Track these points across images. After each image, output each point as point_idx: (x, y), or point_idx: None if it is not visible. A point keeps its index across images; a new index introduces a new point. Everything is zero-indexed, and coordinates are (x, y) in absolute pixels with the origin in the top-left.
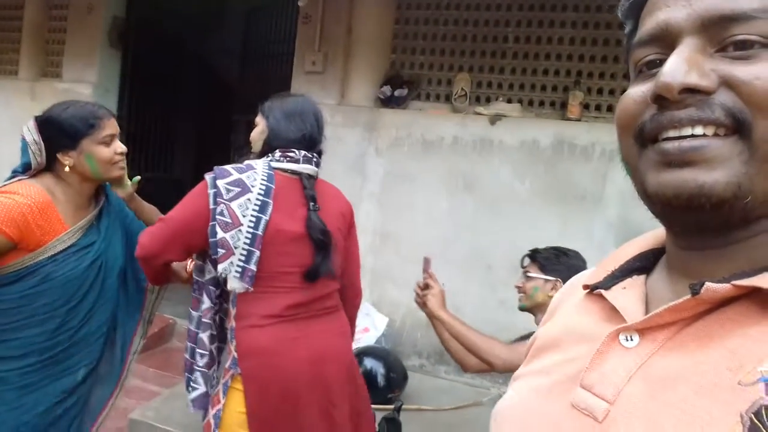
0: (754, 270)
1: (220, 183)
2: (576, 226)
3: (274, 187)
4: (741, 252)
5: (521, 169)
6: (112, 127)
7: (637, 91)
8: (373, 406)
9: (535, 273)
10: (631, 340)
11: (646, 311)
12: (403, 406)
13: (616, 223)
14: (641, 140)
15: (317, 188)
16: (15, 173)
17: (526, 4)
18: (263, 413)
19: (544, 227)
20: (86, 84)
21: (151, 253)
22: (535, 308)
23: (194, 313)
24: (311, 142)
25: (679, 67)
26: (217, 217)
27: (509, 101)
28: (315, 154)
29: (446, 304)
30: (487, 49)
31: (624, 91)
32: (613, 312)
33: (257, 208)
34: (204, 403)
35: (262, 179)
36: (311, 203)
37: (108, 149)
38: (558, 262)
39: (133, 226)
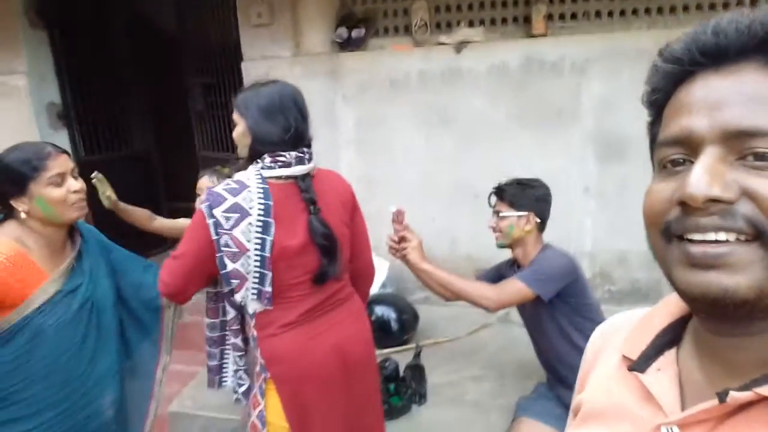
0: None
1: (217, 212)
2: (555, 143)
3: (272, 204)
4: (762, 343)
5: (493, 95)
6: (61, 165)
7: (664, 188)
8: (391, 350)
9: (506, 211)
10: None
11: (681, 395)
12: (419, 344)
13: (594, 135)
14: (667, 236)
15: (315, 182)
16: None
17: None
18: (298, 408)
19: (524, 148)
20: (19, 74)
21: (176, 290)
22: (513, 244)
23: (214, 321)
24: (299, 137)
25: (703, 179)
26: (223, 249)
27: (471, 24)
28: (306, 150)
29: (427, 250)
30: None
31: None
32: (650, 396)
33: (260, 229)
34: (250, 391)
35: (259, 198)
36: (311, 206)
37: (59, 189)
38: (525, 196)
39: (116, 254)
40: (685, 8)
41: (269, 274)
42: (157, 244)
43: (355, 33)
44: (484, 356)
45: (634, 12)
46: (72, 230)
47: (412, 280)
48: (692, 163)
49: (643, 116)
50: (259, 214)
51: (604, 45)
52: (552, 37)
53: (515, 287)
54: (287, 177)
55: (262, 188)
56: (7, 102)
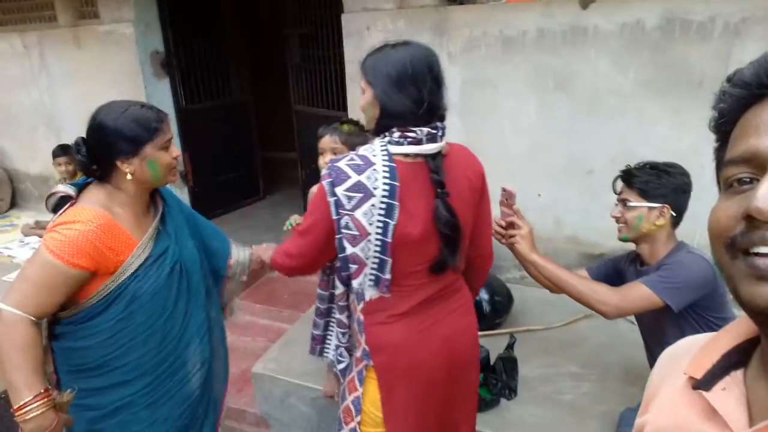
0: None
1: (339, 191)
2: (691, 118)
3: (398, 184)
4: None
5: (623, 59)
6: (170, 130)
7: (729, 205)
8: (482, 333)
9: (635, 200)
10: None
11: (749, 413)
12: (512, 329)
13: None
14: (732, 251)
15: (445, 161)
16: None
17: None
18: (397, 402)
19: (654, 122)
20: (126, 23)
21: (304, 263)
22: (640, 239)
23: (323, 293)
24: (432, 111)
25: None
26: (343, 231)
27: None
28: (439, 125)
29: (545, 222)
30: None
31: None
32: (716, 414)
33: (383, 212)
34: (348, 372)
35: (384, 177)
36: (438, 190)
37: (167, 154)
38: (660, 184)
39: (194, 218)
40: None
41: (389, 261)
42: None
43: None
44: (584, 352)
45: None
46: (153, 195)
47: (507, 256)
48: (758, 181)
49: None
50: (383, 196)
51: (765, 3)
52: None
53: (641, 293)
54: (416, 155)
55: (388, 166)
56: (114, 49)
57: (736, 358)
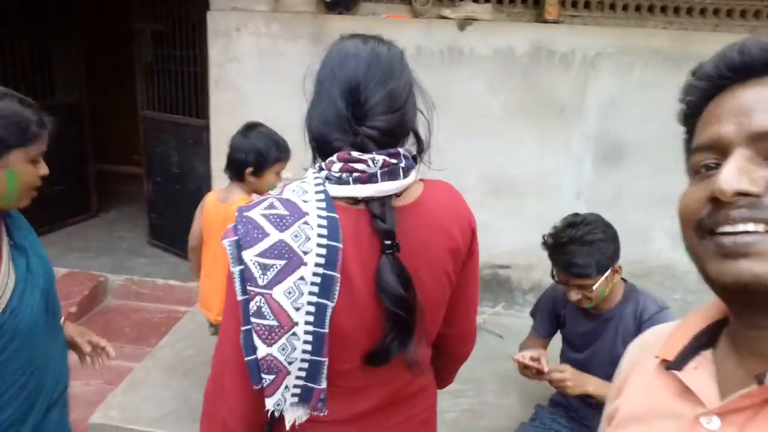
0: None
1: (247, 256)
2: (553, 141)
3: (341, 246)
4: None
5: (495, 82)
6: (45, 142)
7: (696, 190)
8: None
9: (593, 282)
10: (712, 422)
11: (720, 389)
12: None
13: (596, 137)
14: (700, 232)
15: (406, 210)
16: None
17: None
18: None
19: (521, 144)
20: None
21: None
22: (602, 302)
23: None
24: (391, 130)
25: (732, 174)
26: (252, 319)
27: (477, 1)
28: (403, 152)
29: None
30: None
31: None
32: (689, 392)
33: (316, 289)
34: None
35: (321, 236)
36: (386, 243)
37: (35, 170)
38: (602, 255)
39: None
40: (702, 12)
41: (326, 362)
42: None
43: None
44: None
45: (650, 9)
46: None
47: None
48: (722, 166)
49: (648, 121)
50: (318, 264)
51: (617, 40)
52: (564, 25)
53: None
54: (366, 199)
55: (327, 218)
56: None
57: (705, 339)
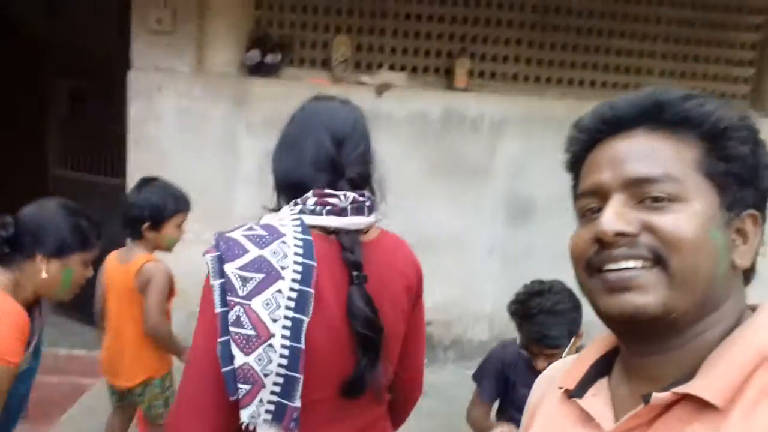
0: (685, 374)
1: (229, 269)
2: (467, 201)
3: (315, 265)
4: (676, 357)
5: (411, 144)
6: (97, 250)
7: (583, 232)
8: None
9: (563, 349)
10: None
11: (615, 413)
12: None
13: (506, 195)
14: (589, 270)
15: (371, 247)
16: None
17: None
18: None
19: (436, 203)
20: None
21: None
22: None
23: None
24: (366, 176)
25: (610, 218)
26: (231, 329)
27: (392, 68)
28: (367, 194)
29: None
30: (366, 8)
31: (511, 57)
32: (589, 418)
33: (292, 303)
34: None
35: (297, 254)
36: (354, 273)
37: (85, 272)
38: (572, 323)
39: None
40: (592, 84)
41: (301, 379)
42: None
43: (269, 58)
44: None
45: (548, 80)
46: None
47: None
48: (603, 210)
49: (551, 181)
50: (294, 280)
51: (520, 107)
52: (473, 93)
53: None
54: (337, 230)
55: (303, 240)
56: None
57: (601, 368)
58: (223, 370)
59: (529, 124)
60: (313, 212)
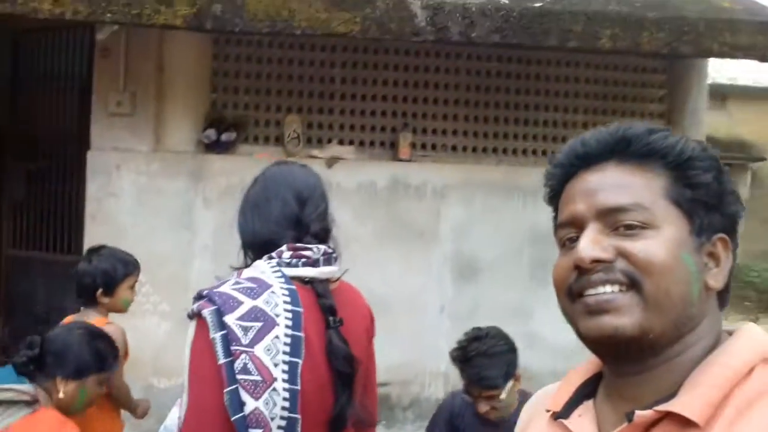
0: (667, 393)
1: (230, 320)
2: (416, 263)
3: (302, 311)
4: (657, 377)
5: (361, 211)
6: (114, 371)
7: (564, 260)
8: None
9: (502, 391)
10: None
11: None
12: None
13: (452, 256)
14: (570, 296)
15: (337, 294)
16: None
17: (350, 47)
18: None
19: (388, 266)
20: None
21: None
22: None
23: None
24: (328, 230)
25: (587, 246)
26: (239, 377)
27: (341, 143)
28: (332, 246)
29: None
30: (315, 90)
31: (442, 130)
32: None
33: (288, 348)
34: None
35: (286, 302)
36: (330, 318)
37: (100, 391)
38: (506, 364)
39: None
40: (524, 152)
41: (299, 420)
42: None
43: (225, 136)
44: None
45: (484, 150)
46: None
47: None
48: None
49: (494, 241)
50: (287, 325)
51: (460, 174)
52: (416, 163)
53: None
54: (311, 280)
55: (288, 289)
56: None
57: (587, 389)
58: (234, 417)
59: (469, 189)
60: (289, 264)
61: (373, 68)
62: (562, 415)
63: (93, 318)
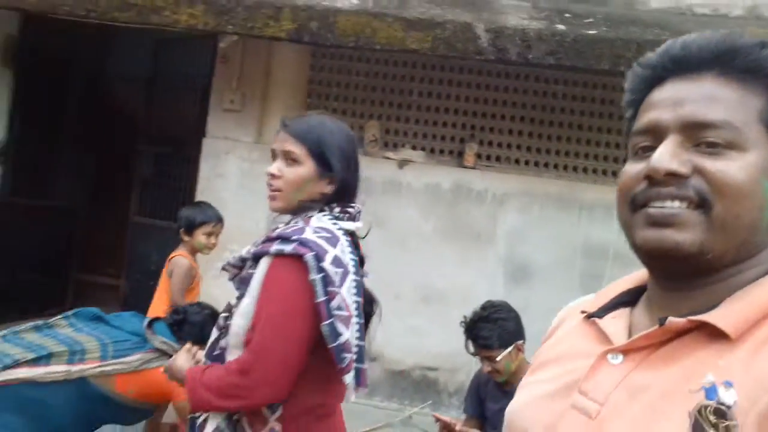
0: (707, 308)
1: (326, 265)
2: (472, 261)
3: (358, 259)
4: (702, 294)
5: (426, 210)
6: None
7: (633, 168)
8: None
9: (497, 354)
10: (617, 358)
11: (629, 337)
12: None
13: (505, 259)
14: (633, 206)
15: None
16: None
17: (429, 64)
18: None
19: (445, 261)
20: None
21: (280, 380)
22: (512, 376)
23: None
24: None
25: (664, 157)
26: (335, 312)
27: (414, 148)
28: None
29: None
30: (395, 100)
31: (506, 144)
32: (604, 336)
33: (356, 290)
34: None
35: (349, 250)
36: (362, 268)
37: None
38: (505, 332)
39: None
40: (585, 170)
41: (365, 347)
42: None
43: None
44: None
45: (546, 165)
46: None
47: None
48: (656, 148)
49: (546, 249)
50: (353, 271)
51: (520, 185)
52: (479, 171)
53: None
54: (351, 232)
55: (348, 240)
56: None
57: (627, 298)
58: (334, 345)
59: (527, 198)
60: (338, 218)
61: (445, 84)
62: (595, 315)
63: (178, 251)
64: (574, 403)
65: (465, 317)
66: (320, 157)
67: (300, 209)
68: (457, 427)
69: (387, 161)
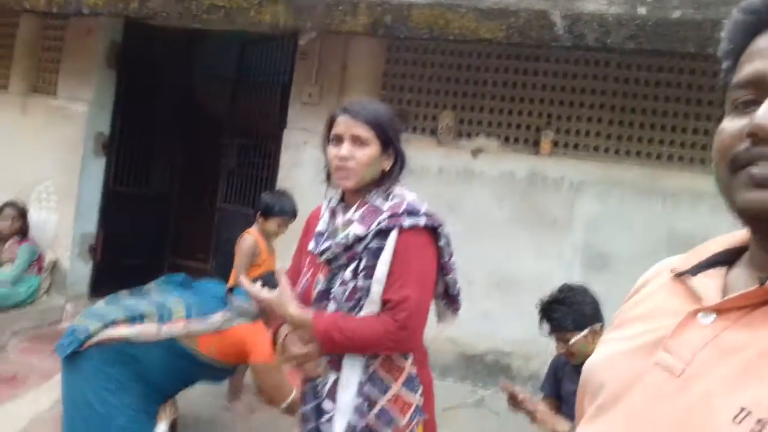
0: None
1: (445, 231)
2: (548, 249)
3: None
4: None
5: (500, 197)
6: None
7: (734, 125)
8: None
9: (572, 336)
10: (708, 317)
11: (723, 297)
12: None
13: (582, 246)
14: (733, 166)
15: None
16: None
17: (504, 54)
18: None
19: (520, 248)
20: (81, 102)
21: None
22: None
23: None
24: None
25: None
26: (454, 267)
27: (487, 136)
28: None
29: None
30: (468, 90)
31: (585, 132)
32: (695, 295)
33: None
34: None
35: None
36: None
37: None
38: (581, 315)
39: None
40: (669, 157)
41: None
42: None
43: None
44: None
45: (627, 152)
46: None
47: None
48: (762, 103)
49: (624, 238)
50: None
51: (598, 171)
52: (555, 158)
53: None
54: None
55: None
56: (61, 122)
57: (722, 258)
58: (454, 292)
59: (606, 186)
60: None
61: (520, 73)
62: (687, 272)
63: (249, 230)
64: (658, 360)
65: (541, 299)
66: (383, 136)
67: (367, 185)
68: (520, 396)
69: (461, 150)
